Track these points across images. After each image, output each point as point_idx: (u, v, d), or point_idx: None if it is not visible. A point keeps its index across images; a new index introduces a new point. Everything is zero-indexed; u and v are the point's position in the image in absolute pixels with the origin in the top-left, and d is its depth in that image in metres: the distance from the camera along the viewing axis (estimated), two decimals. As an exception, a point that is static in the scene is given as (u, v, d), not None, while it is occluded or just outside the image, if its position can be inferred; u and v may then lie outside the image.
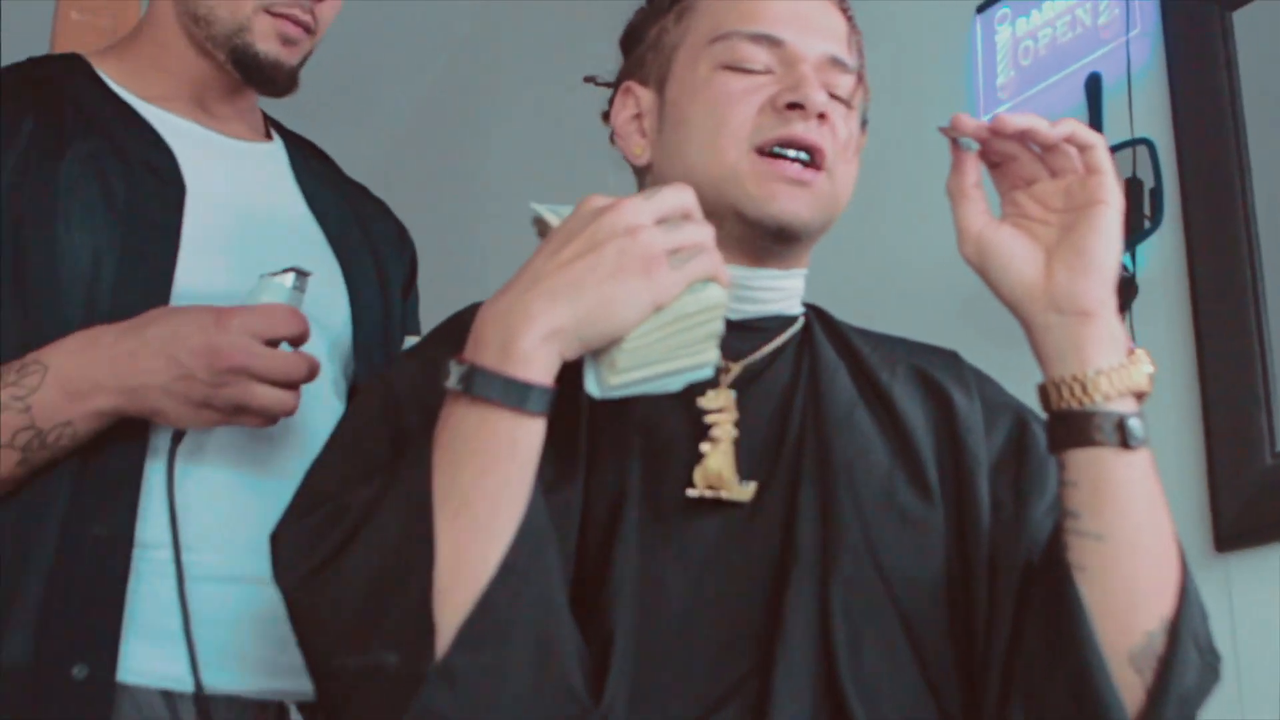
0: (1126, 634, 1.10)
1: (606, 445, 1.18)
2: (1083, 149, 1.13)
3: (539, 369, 1.02)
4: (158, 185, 1.59)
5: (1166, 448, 1.98)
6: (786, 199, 1.23)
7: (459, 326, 1.22)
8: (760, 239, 1.25)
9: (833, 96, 1.27)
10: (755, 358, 1.25)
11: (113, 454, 1.47)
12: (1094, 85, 2.29)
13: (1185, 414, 2.04)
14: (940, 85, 2.57)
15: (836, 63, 1.28)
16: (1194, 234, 2.06)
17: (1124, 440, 1.10)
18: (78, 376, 1.41)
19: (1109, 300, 1.13)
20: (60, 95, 1.62)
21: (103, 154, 1.59)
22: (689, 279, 1.04)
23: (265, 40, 1.62)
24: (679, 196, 1.07)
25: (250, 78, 1.65)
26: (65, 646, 1.40)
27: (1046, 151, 1.14)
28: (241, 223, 1.62)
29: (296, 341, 1.43)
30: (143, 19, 1.74)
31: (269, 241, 1.61)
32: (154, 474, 1.48)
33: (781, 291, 1.29)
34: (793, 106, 1.23)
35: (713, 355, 1.06)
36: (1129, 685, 1.09)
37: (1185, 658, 1.11)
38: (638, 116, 1.33)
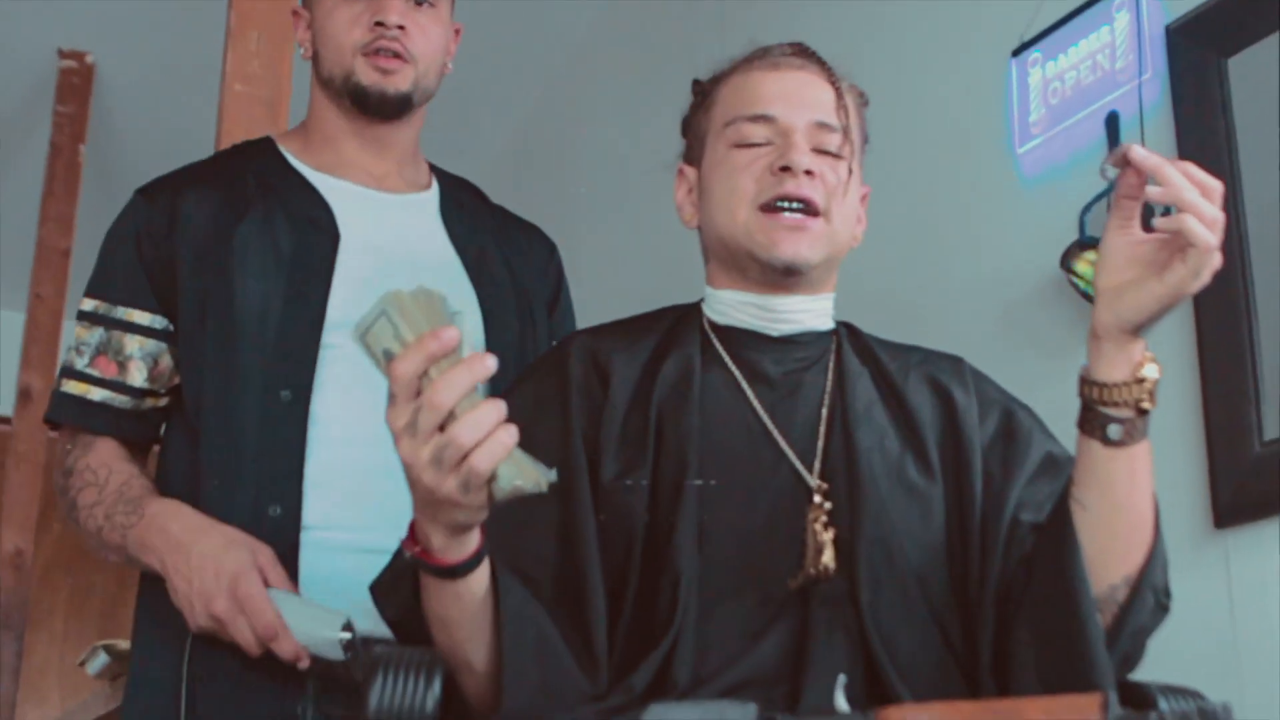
0: (1094, 583, 1.41)
1: (670, 427, 1.50)
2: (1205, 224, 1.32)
3: (453, 554, 1.30)
4: (317, 236, 1.93)
5: (1173, 438, 2.29)
6: (788, 243, 1.53)
7: (552, 361, 1.57)
8: (776, 276, 1.56)
9: (823, 152, 1.57)
10: (793, 368, 1.57)
11: (280, 453, 1.81)
12: (1112, 121, 2.54)
13: (1189, 410, 2.29)
14: (981, 119, 2.82)
15: (823, 126, 1.57)
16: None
17: (1106, 438, 1.41)
18: (152, 536, 1.78)
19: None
20: (245, 169, 1.99)
21: (274, 213, 1.93)
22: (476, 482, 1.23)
23: (366, 75, 1.96)
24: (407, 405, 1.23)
25: (366, 109, 1.98)
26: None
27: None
28: (386, 263, 1.92)
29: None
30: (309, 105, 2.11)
31: (411, 278, 1.88)
32: (310, 468, 1.82)
33: (810, 313, 1.60)
34: (784, 169, 1.54)
35: (543, 478, 1.25)
36: None
37: (1142, 604, 1.42)
38: (690, 191, 1.65)
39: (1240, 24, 2.35)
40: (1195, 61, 2.42)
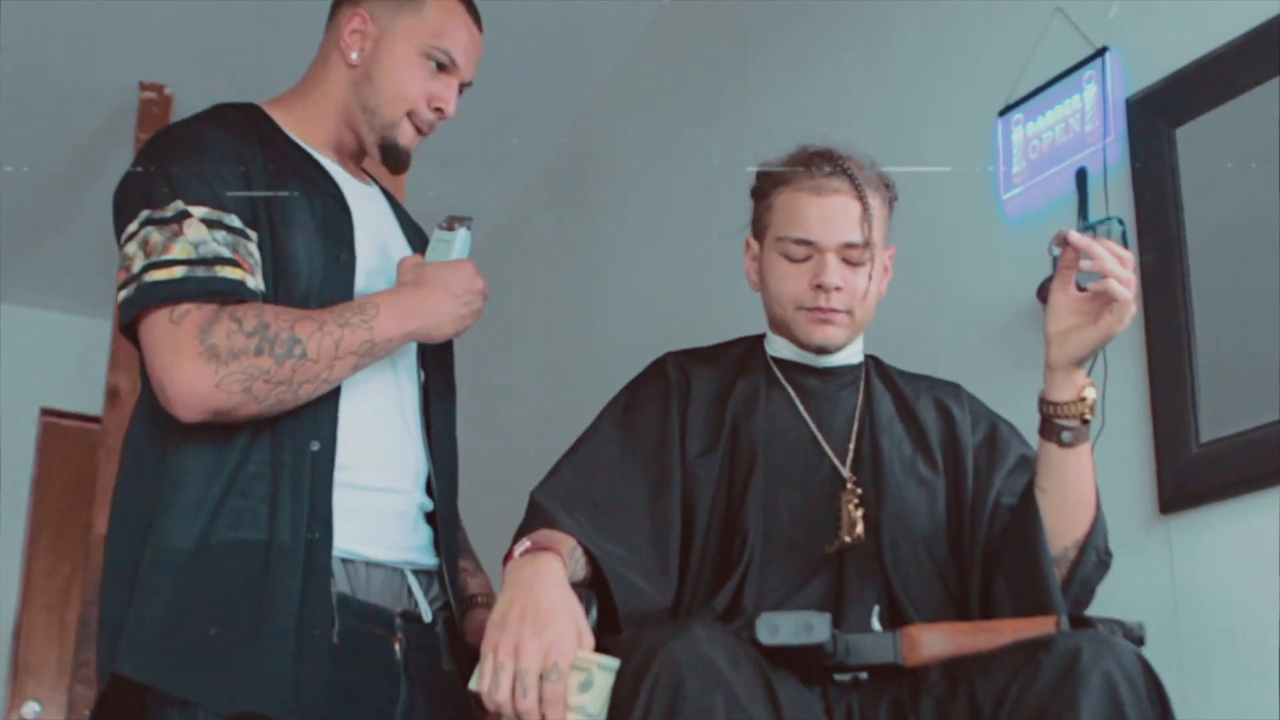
0: (1052, 546, 1.90)
1: (744, 425, 1.99)
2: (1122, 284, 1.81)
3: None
4: (339, 212, 2.08)
5: (1126, 440, 2.63)
6: (819, 333, 2.05)
7: (655, 369, 2.05)
8: (813, 351, 2.06)
9: (850, 263, 2.04)
10: (833, 389, 2.06)
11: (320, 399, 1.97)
12: (1081, 176, 2.91)
13: (1140, 417, 2.65)
14: (972, 171, 3.15)
15: (850, 245, 2.04)
16: (1147, 286, 2.64)
17: (1059, 441, 1.89)
18: (399, 309, 1.98)
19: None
20: (267, 140, 2.06)
21: (305, 188, 2.05)
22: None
23: (405, 137, 2.13)
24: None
25: (386, 159, 2.15)
26: (306, 524, 1.91)
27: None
28: (379, 241, 2.14)
29: None
30: (308, 80, 2.18)
31: (391, 256, 2.13)
32: (343, 412, 1.99)
33: (843, 357, 2.09)
34: (819, 287, 2.02)
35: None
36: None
37: (1087, 560, 1.91)
38: (754, 259, 2.12)
39: (1188, 100, 2.73)
40: (1150, 129, 2.79)
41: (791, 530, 1.94)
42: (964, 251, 3.19)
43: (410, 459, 2.10)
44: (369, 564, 2.02)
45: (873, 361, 2.14)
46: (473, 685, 1.66)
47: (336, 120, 2.14)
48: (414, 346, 2.13)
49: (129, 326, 1.95)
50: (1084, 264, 1.81)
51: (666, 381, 2.04)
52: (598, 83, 4.86)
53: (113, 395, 4.70)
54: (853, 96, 3.65)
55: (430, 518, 2.15)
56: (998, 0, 3.23)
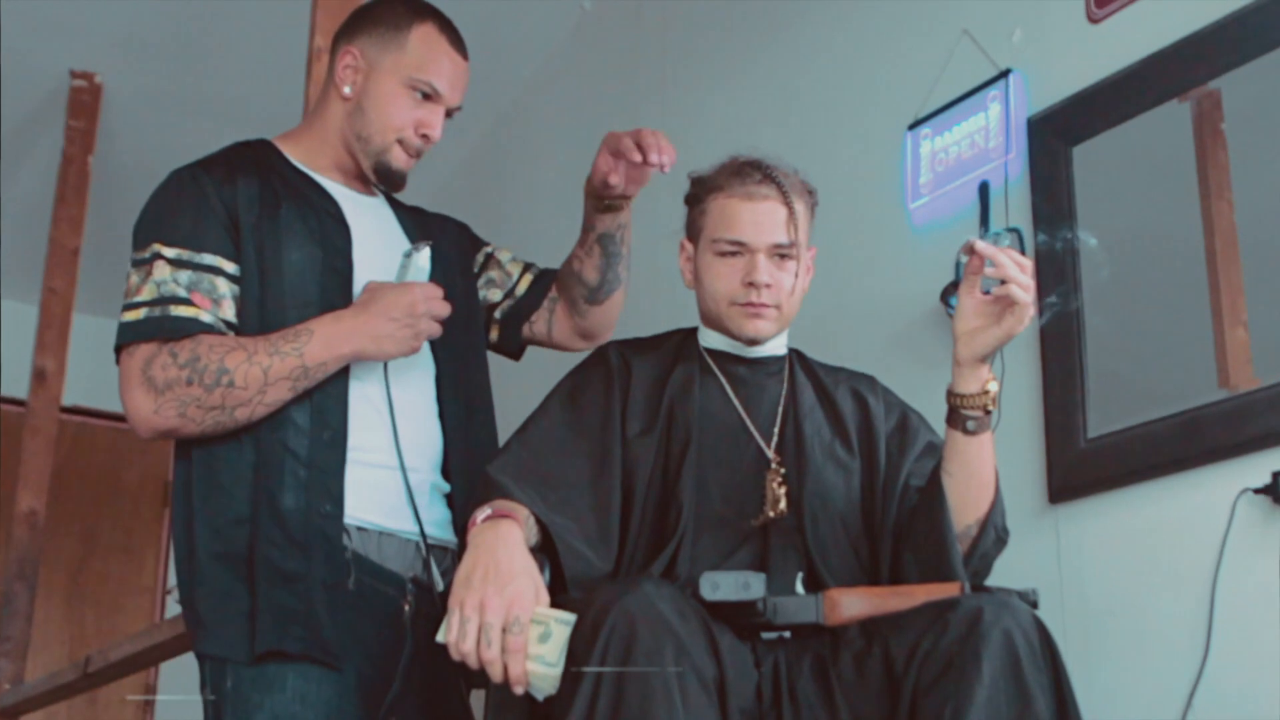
0: (956, 524, 2.09)
1: (679, 409, 2.16)
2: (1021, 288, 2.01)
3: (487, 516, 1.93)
4: (335, 226, 2.29)
5: (1021, 435, 2.84)
6: (750, 325, 2.21)
7: (598, 356, 2.22)
8: (744, 342, 2.23)
9: (776, 262, 2.20)
10: (760, 378, 2.24)
11: (332, 386, 2.21)
12: (984, 189, 3.09)
13: (1034, 414, 2.85)
14: (882, 178, 3.36)
15: (778, 246, 2.21)
16: (1042, 293, 2.81)
17: (965, 429, 2.09)
18: (332, 336, 2.17)
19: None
20: (270, 169, 2.31)
21: (303, 205, 2.27)
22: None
23: (398, 161, 2.34)
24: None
25: (381, 180, 2.36)
26: (320, 497, 2.17)
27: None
28: (377, 248, 2.34)
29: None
30: (313, 113, 2.42)
31: (392, 260, 2.32)
32: (355, 400, 2.23)
33: (770, 348, 2.27)
34: (750, 284, 2.19)
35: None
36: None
37: (986, 537, 2.10)
38: (690, 258, 2.30)
39: (1084, 121, 2.93)
40: (1048, 147, 2.98)
41: (721, 505, 2.13)
42: (873, 256, 3.37)
43: (424, 442, 2.30)
44: (381, 532, 2.24)
45: (796, 354, 2.33)
46: (440, 637, 1.82)
47: (337, 146, 2.36)
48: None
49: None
50: (989, 270, 2.01)
51: (608, 368, 2.22)
52: (518, 86, 4.98)
53: (39, 377, 4.79)
54: (770, 107, 3.83)
55: (448, 499, 2.35)
56: (909, 21, 3.42)
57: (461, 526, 2.04)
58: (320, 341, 2.17)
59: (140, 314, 2.16)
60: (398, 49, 2.31)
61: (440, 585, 2.26)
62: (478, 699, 2.22)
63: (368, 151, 2.33)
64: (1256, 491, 2.45)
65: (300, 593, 2.10)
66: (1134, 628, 2.60)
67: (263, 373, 2.13)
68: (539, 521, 1.98)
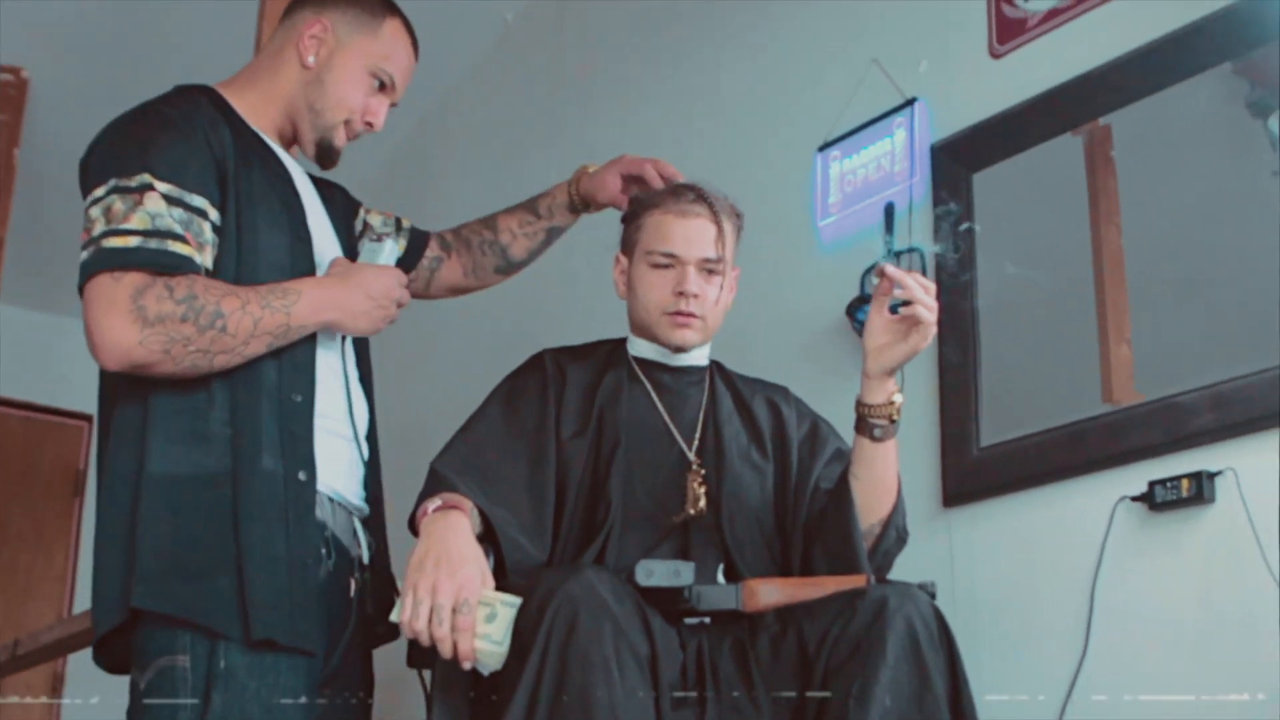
0: (861, 523, 2.28)
1: (609, 413, 2.33)
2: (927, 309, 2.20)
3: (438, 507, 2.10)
4: (291, 192, 2.27)
5: (920, 443, 3.00)
6: (679, 336, 2.39)
7: (534, 363, 2.38)
8: (672, 349, 2.40)
9: (705, 276, 2.38)
10: (684, 386, 2.41)
11: (300, 350, 2.19)
12: (889, 210, 3.26)
13: (930, 424, 3.03)
14: (793, 197, 3.51)
15: (707, 260, 2.39)
16: (942, 311, 2.73)
17: (872, 436, 2.28)
18: (318, 301, 2.16)
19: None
20: (233, 121, 2.25)
21: (266, 170, 2.24)
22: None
23: (339, 140, 2.35)
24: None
25: (319, 156, 2.35)
26: (294, 462, 2.14)
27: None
28: (320, 218, 2.36)
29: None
30: (260, 70, 2.35)
31: (328, 235, 2.37)
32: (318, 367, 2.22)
33: (695, 356, 2.45)
34: (680, 294, 2.36)
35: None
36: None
37: (889, 536, 2.29)
38: (623, 271, 2.46)
39: (983, 150, 3.12)
40: (950, 173, 3.16)
41: (646, 502, 2.30)
42: (784, 270, 3.53)
43: (360, 412, 2.36)
44: (336, 502, 2.27)
45: (716, 365, 2.50)
46: (394, 617, 1.98)
47: (281, 111, 2.33)
48: None
49: (79, 284, 2.10)
50: (897, 292, 2.19)
51: (544, 373, 2.38)
52: (438, 95, 5.08)
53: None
54: (688, 122, 4.00)
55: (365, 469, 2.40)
56: (823, 48, 3.60)
57: (410, 517, 2.18)
58: (307, 304, 2.16)
59: (132, 241, 2.05)
60: (370, 35, 2.34)
61: (366, 558, 2.32)
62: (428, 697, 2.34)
63: (316, 124, 2.34)
64: (1134, 499, 2.66)
65: (285, 576, 2.11)
66: (1019, 623, 2.79)
67: (253, 323, 2.10)
68: (482, 513, 2.14)
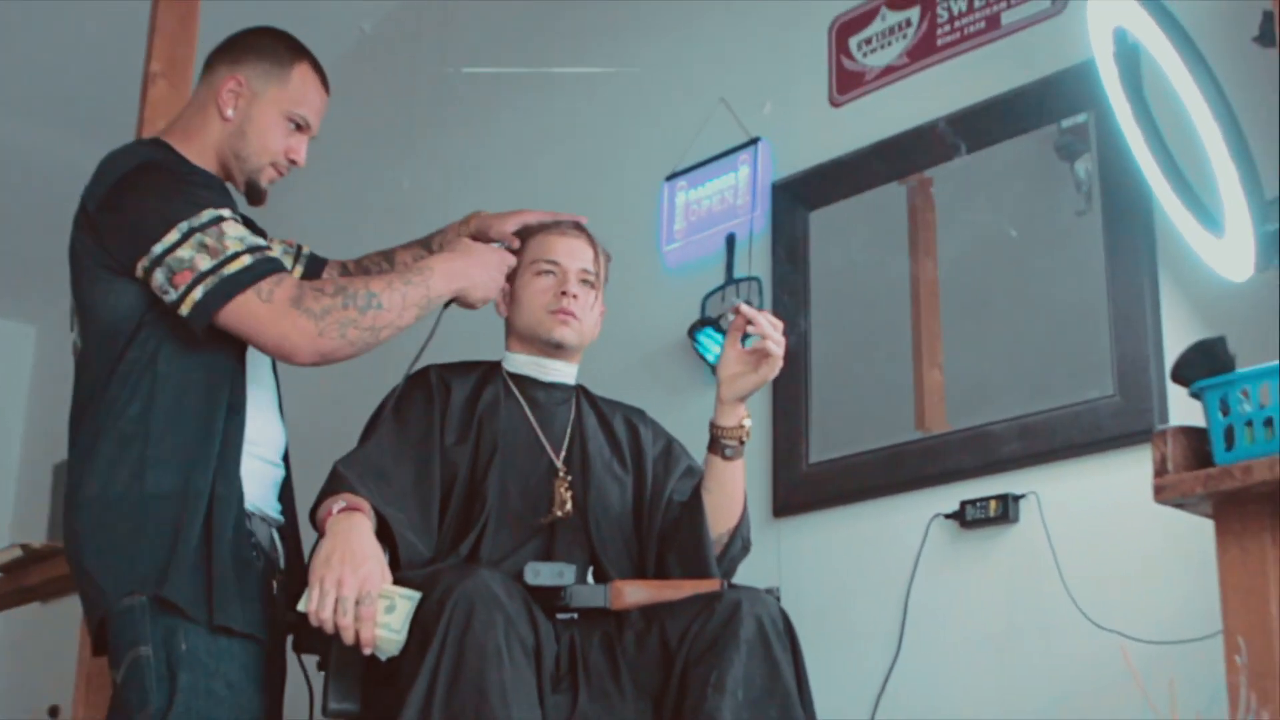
0: (711, 532, 2.53)
1: (487, 424, 2.55)
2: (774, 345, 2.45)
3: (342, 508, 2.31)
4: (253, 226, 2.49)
5: (754, 458, 3.14)
6: (559, 333, 2.62)
7: (420, 377, 2.58)
8: (551, 347, 2.63)
9: (584, 283, 2.63)
10: (554, 401, 2.65)
11: (236, 381, 2.37)
12: (730, 240, 3.50)
13: (763, 437, 3.26)
14: (640, 224, 3.73)
15: (585, 271, 2.64)
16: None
17: (723, 455, 2.53)
18: (449, 273, 2.45)
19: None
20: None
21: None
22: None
23: (266, 180, 2.54)
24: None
25: (249, 195, 2.54)
26: (229, 479, 2.32)
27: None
28: None
29: None
30: (190, 124, 2.51)
31: None
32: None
33: (566, 373, 2.68)
34: (563, 294, 2.60)
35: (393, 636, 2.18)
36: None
37: (735, 545, 2.55)
38: (506, 294, 2.66)
39: (820, 190, 3.38)
40: (789, 209, 3.42)
41: (518, 503, 2.53)
42: (629, 291, 3.66)
43: (279, 437, 2.55)
44: (259, 517, 2.46)
45: (582, 388, 2.75)
46: (301, 606, 2.18)
47: (215, 159, 2.52)
48: None
49: (210, 313, 2.28)
50: (750, 328, 2.45)
51: (430, 387, 2.60)
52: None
53: None
54: (543, 143, 4.20)
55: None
56: (674, 83, 3.85)
57: (312, 513, 2.38)
58: (440, 276, 2.45)
59: (247, 260, 2.28)
60: (280, 83, 2.52)
61: (281, 564, 2.52)
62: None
63: (244, 170, 2.52)
64: (946, 517, 2.97)
65: (233, 572, 2.30)
66: (840, 627, 3.07)
67: (401, 298, 2.35)
68: (378, 514, 2.35)
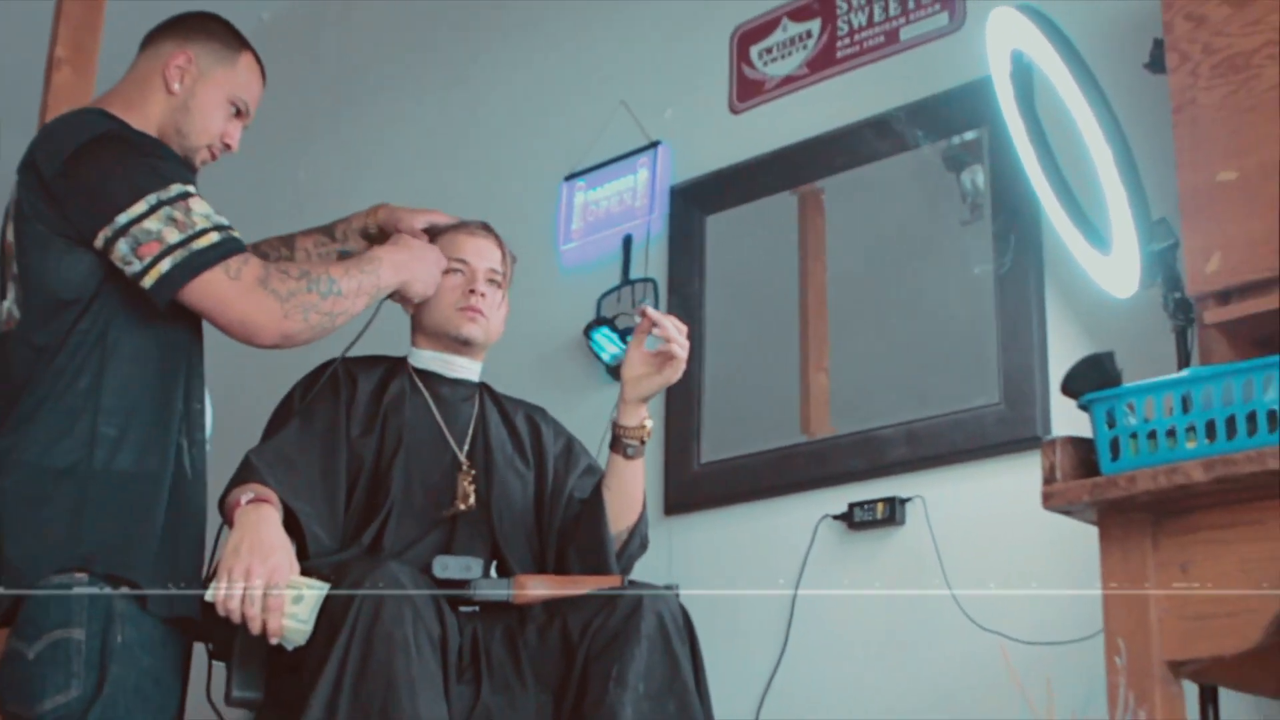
0: (611, 529, 2.58)
1: (392, 417, 2.58)
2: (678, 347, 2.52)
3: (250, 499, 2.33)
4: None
5: (647, 454, 3.07)
6: (467, 329, 2.65)
7: (325, 370, 2.60)
8: (458, 344, 2.67)
9: (491, 282, 2.68)
10: (458, 397, 2.68)
11: (196, 363, 2.41)
12: (628, 242, 3.55)
13: (656, 437, 3.21)
14: (539, 223, 3.77)
15: (493, 270, 2.68)
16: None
17: (625, 454, 2.58)
18: (396, 265, 2.50)
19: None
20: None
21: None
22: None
23: (200, 159, 2.51)
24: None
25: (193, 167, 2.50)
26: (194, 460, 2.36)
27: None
28: None
29: None
30: (131, 96, 2.47)
31: None
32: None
33: (470, 370, 2.72)
34: (471, 292, 2.64)
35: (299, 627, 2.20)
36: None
37: (634, 542, 2.60)
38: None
39: (716, 197, 3.46)
40: (685, 213, 3.49)
41: (421, 496, 2.56)
42: (526, 288, 3.68)
43: (210, 419, 2.57)
44: None
45: (485, 386, 2.78)
46: (209, 596, 2.19)
47: (155, 133, 2.47)
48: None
49: (176, 287, 2.26)
50: (655, 331, 2.51)
51: (336, 380, 2.62)
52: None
53: None
54: (442, 140, 4.21)
55: None
56: (575, 84, 3.89)
57: (221, 501, 2.39)
58: (389, 268, 2.52)
59: (215, 237, 2.27)
60: (228, 66, 2.54)
61: None
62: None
63: (183, 146, 2.49)
64: (835, 518, 3.05)
65: (200, 553, 2.33)
66: (728, 624, 3.13)
67: (357, 285, 2.42)
68: (285, 505, 2.37)
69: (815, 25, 3.40)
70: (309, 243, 2.83)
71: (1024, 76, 2.67)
